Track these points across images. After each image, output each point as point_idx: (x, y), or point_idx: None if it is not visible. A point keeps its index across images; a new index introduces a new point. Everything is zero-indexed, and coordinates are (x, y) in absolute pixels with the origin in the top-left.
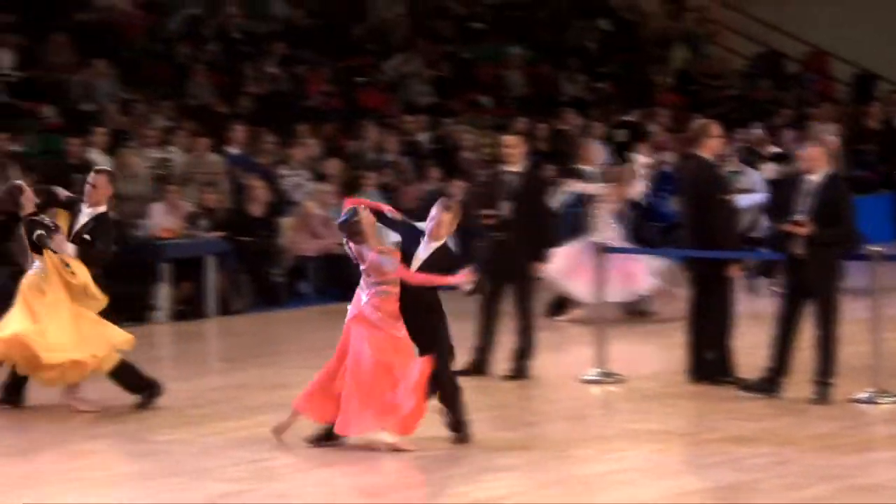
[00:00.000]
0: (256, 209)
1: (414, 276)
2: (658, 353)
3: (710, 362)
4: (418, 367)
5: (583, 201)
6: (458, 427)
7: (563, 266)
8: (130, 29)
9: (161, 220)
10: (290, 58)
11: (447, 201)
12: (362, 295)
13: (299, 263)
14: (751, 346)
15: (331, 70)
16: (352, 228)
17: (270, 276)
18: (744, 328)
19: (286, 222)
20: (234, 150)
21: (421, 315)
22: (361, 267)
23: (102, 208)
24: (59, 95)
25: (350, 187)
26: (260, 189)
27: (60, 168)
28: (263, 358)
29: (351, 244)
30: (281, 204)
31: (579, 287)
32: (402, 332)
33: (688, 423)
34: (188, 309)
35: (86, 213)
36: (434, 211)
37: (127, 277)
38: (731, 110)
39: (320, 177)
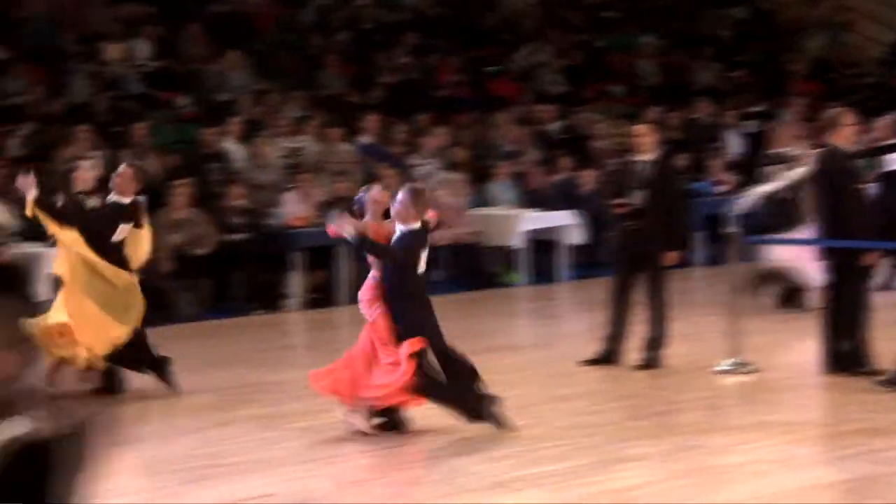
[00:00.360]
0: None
1: (330, 227)
2: (793, 344)
3: (845, 353)
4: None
5: (796, 186)
6: (472, 413)
7: (792, 254)
8: (263, 20)
9: (293, 208)
10: (421, 47)
11: (412, 185)
12: None
13: (430, 252)
14: (887, 336)
15: (462, 59)
16: (359, 201)
17: None
18: (880, 318)
19: None
20: (365, 140)
21: (398, 302)
22: None
23: (125, 199)
24: (194, 86)
25: (481, 177)
26: (391, 178)
27: (195, 158)
28: None
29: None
30: None
31: (811, 273)
32: (373, 314)
33: (822, 414)
34: (320, 297)
35: (109, 199)
36: (399, 194)
37: (260, 266)
38: (867, 98)
39: (451, 166)
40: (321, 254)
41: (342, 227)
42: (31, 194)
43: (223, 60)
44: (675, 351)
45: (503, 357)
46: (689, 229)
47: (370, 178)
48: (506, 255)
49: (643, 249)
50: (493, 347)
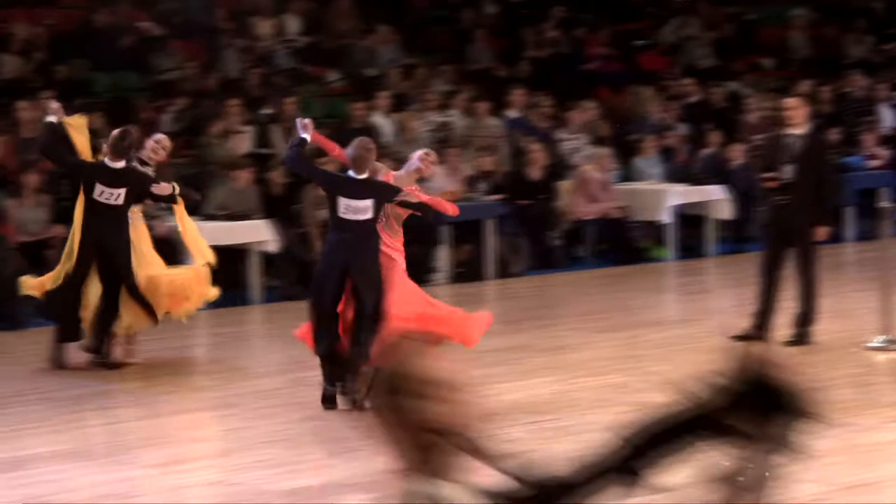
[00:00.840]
0: (535, 172)
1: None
2: None
3: None
4: None
5: None
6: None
7: None
8: None
9: (441, 183)
10: (569, 21)
11: (363, 140)
12: None
13: (577, 227)
14: None
15: (610, 33)
16: (410, 157)
17: (548, 239)
18: None
19: (564, 186)
20: (512, 114)
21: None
22: None
23: (114, 164)
24: (343, 60)
25: (628, 151)
26: (538, 152)
27: (344, 132)
28: (540, 320)
29: None
30: (559, 167)
31: None
32: None
33: None
34: (468, 271)
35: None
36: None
37: (408, 240)
38: None
39: (599, 140)
40: (469, 228)
41: (303, 127)
42: (49, 117)
43: (373, 35)
44: (826, 327)
45: (650, 332)
46: (840, 204)
47: (517, 153)
48: (654, 230)
49: (793, 224)
50: (641, 323)
